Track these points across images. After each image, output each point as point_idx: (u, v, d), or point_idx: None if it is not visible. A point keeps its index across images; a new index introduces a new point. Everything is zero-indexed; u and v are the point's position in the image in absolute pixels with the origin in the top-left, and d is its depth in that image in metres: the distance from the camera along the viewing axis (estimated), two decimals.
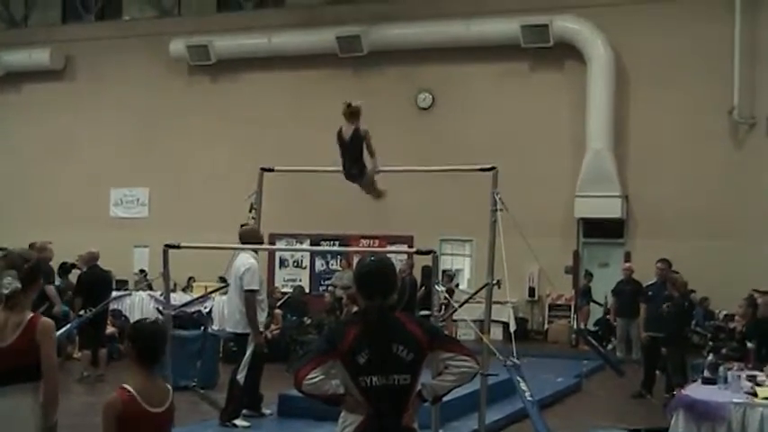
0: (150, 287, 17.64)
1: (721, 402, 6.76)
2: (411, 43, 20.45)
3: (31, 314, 4.41)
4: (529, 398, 7.16)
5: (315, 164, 10.82)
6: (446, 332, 7.02)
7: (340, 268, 19.01)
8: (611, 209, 18.74)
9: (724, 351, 9.65)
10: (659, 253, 12.95)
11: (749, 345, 9.13)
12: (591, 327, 17.66)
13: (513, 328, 16.16)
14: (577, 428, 8.63)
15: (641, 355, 12.63)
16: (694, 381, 8.25)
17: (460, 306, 9.23)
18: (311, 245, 20.43)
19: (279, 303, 15.61)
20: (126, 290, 18.04)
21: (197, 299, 14.56)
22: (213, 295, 15.05)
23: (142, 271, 20.26)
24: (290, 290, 17.54)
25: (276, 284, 19.46)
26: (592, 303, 18.08)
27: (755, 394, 6.88)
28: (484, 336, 7.85)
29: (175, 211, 21.54)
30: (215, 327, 14.66)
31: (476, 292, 9.33)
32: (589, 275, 18.32)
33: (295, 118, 21.00)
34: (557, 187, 19.05)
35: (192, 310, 14.89)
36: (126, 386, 3.98)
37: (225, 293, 14.56)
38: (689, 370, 10.84)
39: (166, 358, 4.21)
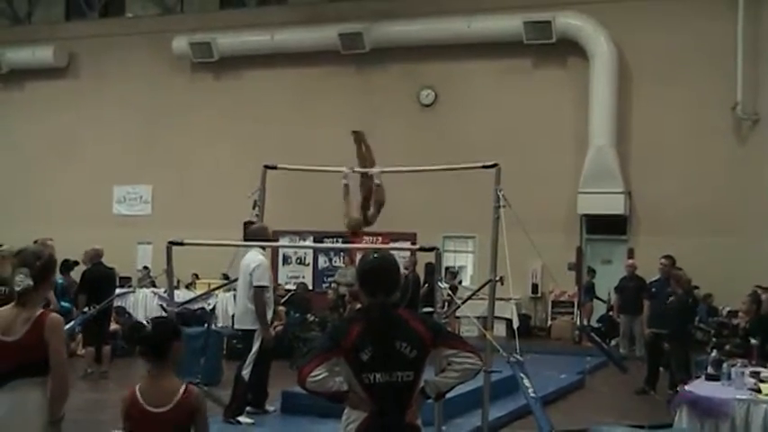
0: (154, 284, 17.66)
1: (725, 399, 6.75)
2: (413, 40, 20.45)
3: (41, 310, 4.44)
4: (532, 394, 7.17)
5: (317, 160, 10.83)
6: (449, 329, 7.01)
7: (343, 265, 18.99)
8: (614, 205, 18.73)
9: (727, 347, 9.62)
10: (662, 249, 12.94)
11: (753, 341, 9.12)
12: (594, 323, 17.63)
13: (516, 324, 16.19)
14: (580, 425, 8.61)
15: (644, 352, 12.60)
16: (698, 377, 8.23)
17: (463, 303, 9.21)
18: (314, 242, 20.42)
19: (282, 300, 15.61)
20: (129, 287, 18.05)
21: (200, 296, 14.56)
22: (217, 292, 15.07)
23: (146, 268, 20.27)
24: (294, 287, 17.53)
25: (279, 281, 19.46)
26: (595, 300, 18.01)
27: (759, 390, 6.86)
28: (487, 332, 7.85)
29: (178, 209, 21.58)
30: (219, 323, 14.67)
31: (479, 289, 9.32)
32: (592, 272, 18.32)
33: (298, 115, 21.02)
34: (559, 184, 19.04)
35: (196, 307, 14.92)
36: (138, 385, 4.07)
37: (229, 290, 14.65)
38: (692, 366, 10.82)
39: (178, 356, 4.19)
